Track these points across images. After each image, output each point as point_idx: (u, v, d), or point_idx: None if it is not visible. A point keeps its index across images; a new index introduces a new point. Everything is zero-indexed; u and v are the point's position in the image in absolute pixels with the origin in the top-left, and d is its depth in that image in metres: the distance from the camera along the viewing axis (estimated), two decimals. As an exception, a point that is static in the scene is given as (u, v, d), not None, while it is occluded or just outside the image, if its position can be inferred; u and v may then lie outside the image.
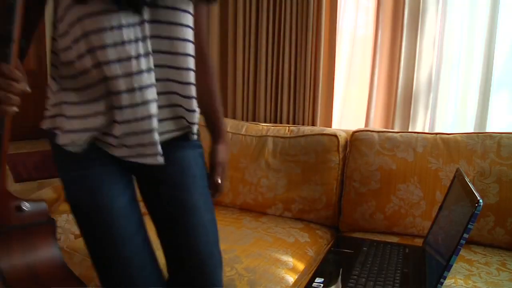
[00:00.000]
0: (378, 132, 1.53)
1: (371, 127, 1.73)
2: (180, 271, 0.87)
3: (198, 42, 0.88)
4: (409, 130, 1.68)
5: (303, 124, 1.88)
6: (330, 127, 1.85)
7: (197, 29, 0.86)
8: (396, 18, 1.71)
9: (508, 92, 1.61)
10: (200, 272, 0.86)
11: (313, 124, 1.86)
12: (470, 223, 0.84)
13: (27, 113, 6.42)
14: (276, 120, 1.97)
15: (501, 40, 1.51)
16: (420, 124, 1.70)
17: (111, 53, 0.72)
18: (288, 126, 1.72)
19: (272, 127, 1.72)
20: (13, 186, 3.53)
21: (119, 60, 0.72)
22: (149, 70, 0.75)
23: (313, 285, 1.01)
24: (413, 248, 1.25)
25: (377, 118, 1.80)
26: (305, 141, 1.61)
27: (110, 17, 0.70)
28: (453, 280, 1.09)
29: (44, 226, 0.73)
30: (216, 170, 0.94)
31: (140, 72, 0.74)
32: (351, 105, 1.91)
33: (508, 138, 1.36)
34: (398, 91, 1.69)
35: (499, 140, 1.36)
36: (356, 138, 1.55)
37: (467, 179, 1.02)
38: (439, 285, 0.87)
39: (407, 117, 1.70)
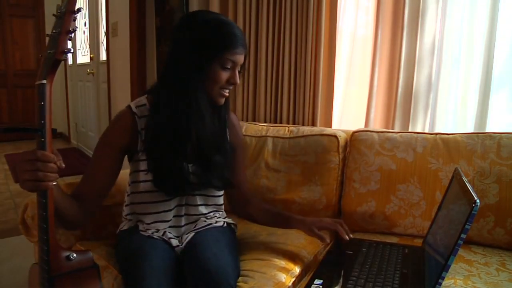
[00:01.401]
0: (378, 132, 1.53)
1: (371, 127, 1.73)
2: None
3: (242, 191, 1.34)
4: (409, 130, 1.68)
5: (303, 124, 1.88)
6: (330, 127, 1.85)
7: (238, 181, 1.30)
8: (396, 18, 1.70)
9: (508, 92, 1.61)
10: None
11: (313, 124, 1.86)
12: (468, 223, 0.83)
13: (27, 113, 6.44)
14: (276, 120, 1.97)
15: (501, 40, 1.50)
16: (420, 124, 1.69)
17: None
18: (288, 126, 1.72)
19: (272, 127, 1.72)
20: (13, 186, 3.54)
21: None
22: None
23: (312, 287, 1.00)
24: (413, 249, 1.24)
25: (377, 118, 1.79)
26: (305, 141, 1.61)
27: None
28: (452, 281, 1.09)
29: (89, 270, 0.91)
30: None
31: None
32: (351, 105, 1.91)
33: (508, 138, 1.36)
34: (398, 91, 1.69)
35: (499, 140, 1.36)
36: (356, 139, 1.55)
37: (465, 179, 1.02)
38: (437, 285, 0.86)
39: (407, 117, 1.70)
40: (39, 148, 0.81)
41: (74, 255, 0.88)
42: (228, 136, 1.27)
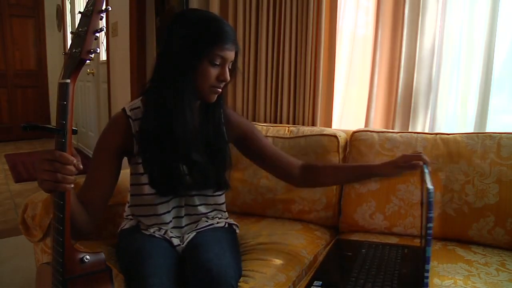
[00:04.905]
0: (378, 132, 1.53)
1: (371, 127, 1.73)
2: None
3: (286, 162, 1.28)
4: (409, 130, 1.68)
5: (303, 124, 1.88)
6: (330, 127, 1.85)
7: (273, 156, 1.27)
8: (396, 18, 1.70)
9: (508, 92, 1.61)
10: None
11: (313, 124, 1.86)
12: (429, 212, 0.84)
13: (27, 113, 6.43)
14: (276, 120, 1.97)
15: (501, 40, 1.50)
16: (420, 124, 1.69)
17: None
18: (288, 127, 1.72)
19: (272, 127, 1.72)
20: (13, 186, 3.54)
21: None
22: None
23: None
24: (412, 248, 1.25)
25: (377, 118, 1.79)
26: (305, 141, 1.61)
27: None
28: (452, 281, 1.09)
29: (102, 273, 0.89)
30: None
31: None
32: (351, 105, 1.91)
33: (508, 138, 1.36)
34: (398, 91, 1.69)
35: (499, 140, 1.36)
36: (356, 139, 1.55)
37: (426, 170, 1.02)
38: (425, 278, 0.86)
39: (407, 117, 1.70)
40: (58, 148, 0.79)
41: (88, 257, 0.86)
42: (227, 136, 1.24)
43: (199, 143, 1.14)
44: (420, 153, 1.13)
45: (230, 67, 1.11)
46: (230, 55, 1.09)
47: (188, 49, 1.06)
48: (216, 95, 1.13)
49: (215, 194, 1.25)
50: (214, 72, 1.08)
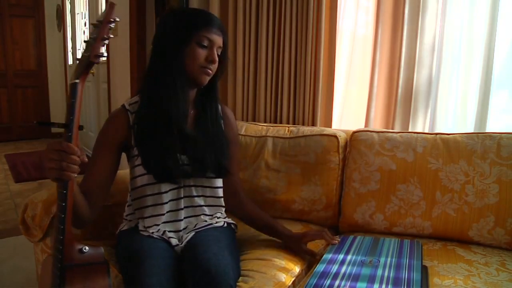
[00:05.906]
0: (378, 132, 1.53)
1: (371, 127, 1.73)
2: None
3: (237, 197, 1.36)
4: (409, 130, 1.68)
5: (303, 124, 1.88)
6: (330, 127, 1.85)
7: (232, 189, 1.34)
8: (396, 18, 1.70)
9: (508, 92, 1.61)
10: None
11: (313, 124, 1.86)
12: None
13: (27, 113, 6.41)
14: (276, 120, 1.97)
15: (501, 40, 1.51)
16: (420, 124, 1.69)
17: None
18: (288, 127, 1.72)
19: (272, 127, 1.72)
20: (13, 186, 3.54)
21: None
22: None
23: None
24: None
25: (377, 118, 1.79)
26: (305, 141, 1.61)
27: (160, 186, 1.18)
28: (452, 281, 1.09)
29: (99, 265, 0.94)
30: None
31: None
32: (351, 105, 1.91)
33: (508, 138, 1.36)
34: (398, 91, 1.69)
35: (499, 140, 1.36)
36: (356, 139, 1.54)
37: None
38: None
39: (407, 117, 1.70)
40: (65, 141, 0.87)
41: (87, 248, 0.92)
42: (223, 126, 1.30)
43: (195, 131, 1.20)
44: (323, 230, 1.29)
45: (219, 54, 1.17)
46: (217, 39, 1.16)
47: (177, 34, 1.14)
48: (208, 77, 1.18)
49: (213, 185, 1.25)
50: (202, 53, 1.15)
